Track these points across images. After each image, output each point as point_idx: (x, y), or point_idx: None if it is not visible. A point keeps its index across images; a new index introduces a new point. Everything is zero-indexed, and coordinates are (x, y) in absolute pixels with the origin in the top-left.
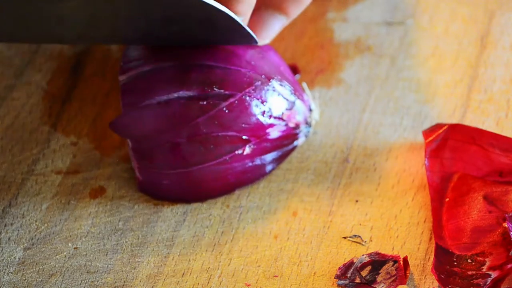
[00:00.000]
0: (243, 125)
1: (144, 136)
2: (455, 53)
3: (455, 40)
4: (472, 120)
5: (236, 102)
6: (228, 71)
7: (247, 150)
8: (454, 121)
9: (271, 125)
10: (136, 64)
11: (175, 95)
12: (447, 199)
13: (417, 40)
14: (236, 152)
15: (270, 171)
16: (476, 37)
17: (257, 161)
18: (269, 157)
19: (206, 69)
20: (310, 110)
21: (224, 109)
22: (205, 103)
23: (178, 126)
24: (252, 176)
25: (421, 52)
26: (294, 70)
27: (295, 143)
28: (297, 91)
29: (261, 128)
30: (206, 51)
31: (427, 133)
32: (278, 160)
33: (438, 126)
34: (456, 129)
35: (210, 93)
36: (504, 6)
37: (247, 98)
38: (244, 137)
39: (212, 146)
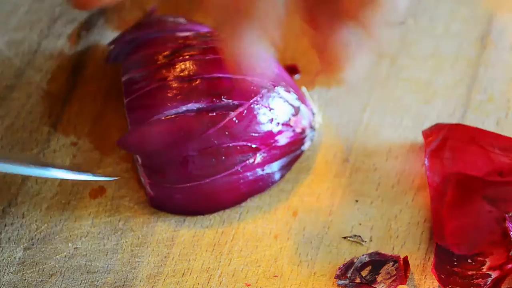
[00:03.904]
0: (252, 134)
1: (155, 152)
2: (455, 53)
3: (455, 40)
4: (472, 120)
5: (245, 111)
6: (234, 81)
7: (258, 158)
8: (454, 121)
9: (279, 132)
10: (141, 85)
11: (184, 108)
12: (447, 199)
13: (417, 40)
14: (247, 161)
15: (280, 178)
16: (476, 37)
17: (267, 169)
18: (278, 164)
19: (213, 81)
20: (313, 113)
21: (234, 119)
22: (214, 114)
23: (189, 140)
24: (263, 184)
25: (421, 52)
26: (294, 70)
27: (302, 148)
28: (300, 96)
29: (270, 136)
30: (209, 63)
31: (427, 133)
32: (287, 167)
33: (438, 126)
34: (456, 129)
35: (218, 104)
36: (504, 6)
37: (256, 106)
38: (254, 145)
39: (223, 158)
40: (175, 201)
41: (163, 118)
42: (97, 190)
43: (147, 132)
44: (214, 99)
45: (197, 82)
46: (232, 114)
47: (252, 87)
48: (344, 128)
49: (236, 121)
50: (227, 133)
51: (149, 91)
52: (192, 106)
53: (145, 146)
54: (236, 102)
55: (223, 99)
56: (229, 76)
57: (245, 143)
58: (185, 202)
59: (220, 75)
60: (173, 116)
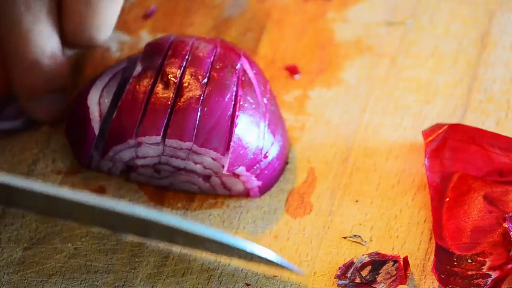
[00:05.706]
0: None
1: None
2: (455, 53)
3: (455, 40)
4: (472, 120)
5: None
6: None
7: None
8: (454, 121)
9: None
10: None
11: None
12: (447, 199)
13: (417, 40)
14: None
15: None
16: (476, 37)
17: None
18: None
19: None
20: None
21: None
22: None
23: None
24: None
25: (421, 52)
26: (294, 70)
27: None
28: None
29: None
30: None
31: (427, 133)
32: None
33: (438, 126)
34: (456, 129)
35: None
36: (504, 6)
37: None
38: None
39: None
40: None
41: None
42: (97, 190)
43: None
44: None
45: None
46: None
47: None
48: (344, 128)
49: None
50: None
51: None
52: None
53: None
54: None
55: None
56: None
57: None
58: None
59: None
60: None
